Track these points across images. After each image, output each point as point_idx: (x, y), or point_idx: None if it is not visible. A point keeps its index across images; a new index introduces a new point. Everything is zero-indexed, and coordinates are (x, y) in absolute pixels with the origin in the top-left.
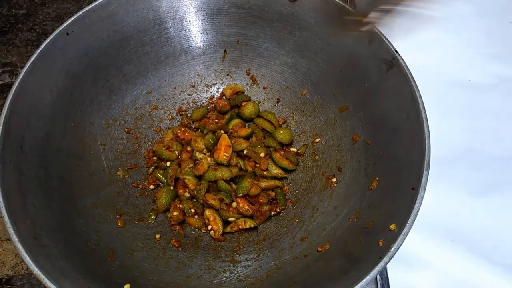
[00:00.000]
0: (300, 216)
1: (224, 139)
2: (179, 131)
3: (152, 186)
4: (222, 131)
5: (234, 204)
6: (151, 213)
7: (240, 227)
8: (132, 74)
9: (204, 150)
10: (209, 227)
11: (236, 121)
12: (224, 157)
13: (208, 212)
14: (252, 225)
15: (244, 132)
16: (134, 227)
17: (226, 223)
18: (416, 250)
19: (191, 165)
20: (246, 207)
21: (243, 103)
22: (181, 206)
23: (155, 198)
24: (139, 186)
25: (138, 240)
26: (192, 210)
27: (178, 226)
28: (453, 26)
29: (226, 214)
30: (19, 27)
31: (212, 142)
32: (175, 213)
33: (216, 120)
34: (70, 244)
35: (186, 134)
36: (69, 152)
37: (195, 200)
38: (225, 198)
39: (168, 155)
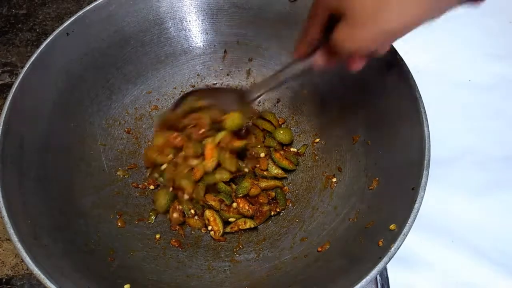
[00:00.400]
0: (300, 216)
1: (209, 144)
2: (170, 137)
3: (152, 186)
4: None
5: (234, 204)
6: (151, 213)
7: (240, 227)
8: (132, 74)
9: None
10: (210, 228)
11: (223, 133)
12: (210, 165)
13: (208, 213)
14: (252, 225)
15: (239, 143)
16: (134, 227)
17: (226, 223)
18: (416, 250)
19: (187, 170)
20: (247, 207)
21: (223, 117)
22: (180, 207)
23: (154, 199)
24: (139, 186)
25: (138, 240)
26: (192, 211)
27: (178, 227)
28: (453, 26)
29: (226, 215)
30: (19, 27)
31: (200, 151)
32: (175, 215)
33: (200, 132)
34: (70, 244)
35: (178, 139)
36: (69, 152)
37: (194, 201)
38: (225, 199)
39: (161, 159)
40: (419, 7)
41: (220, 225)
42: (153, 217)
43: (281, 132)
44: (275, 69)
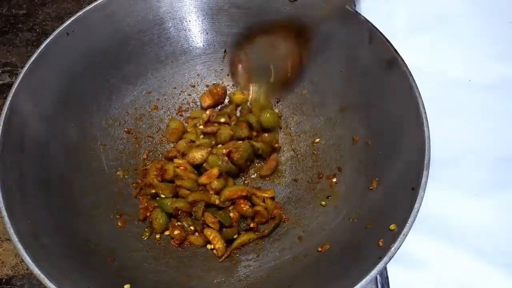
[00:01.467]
0: (300, 216)
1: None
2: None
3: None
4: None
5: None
6: (146, 230)
7: (244, 243)
8: (132, 74)
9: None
10: (211, 246)
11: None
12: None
13: (207, 231)
14: (255, 237)
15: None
16: (134, 227)
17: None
18: (416, 250)
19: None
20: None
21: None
22: (179, 224)
23: (150, 219)
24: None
25: (138, 240)
26: (192, 227)
27: (177, 244)
28: (453, 26)
29: (228, 233)
30: (19, 27)
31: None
32: (176, 232)
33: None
34: (70, 244)
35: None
36: (69, 152)
37: (193, 217)
38: (223, 221)
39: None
40: None
41: (221, 242)
42: (147, 234)
43: (267, 115)
44: None
